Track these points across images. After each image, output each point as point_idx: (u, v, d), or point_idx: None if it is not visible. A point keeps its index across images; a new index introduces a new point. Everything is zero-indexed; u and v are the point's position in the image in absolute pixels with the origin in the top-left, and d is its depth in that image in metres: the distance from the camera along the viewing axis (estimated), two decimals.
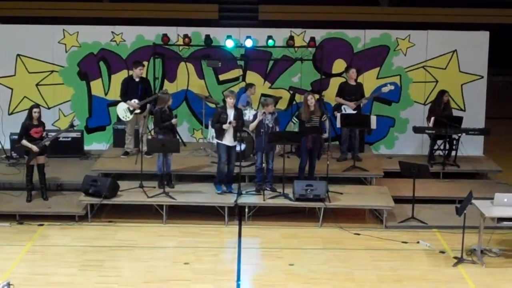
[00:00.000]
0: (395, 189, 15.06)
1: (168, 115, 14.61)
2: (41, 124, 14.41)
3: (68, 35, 17.23)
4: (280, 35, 16.88)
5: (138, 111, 16.07)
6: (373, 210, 14.67)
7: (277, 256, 12.98)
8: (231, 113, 14.34)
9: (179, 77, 17.51)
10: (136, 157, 15.60)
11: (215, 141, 14.70)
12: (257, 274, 12.14)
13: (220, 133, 14.35)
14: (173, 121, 14.60)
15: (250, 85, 16.86)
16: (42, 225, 13.94)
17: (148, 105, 16.11)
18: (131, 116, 16.14)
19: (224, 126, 14.26)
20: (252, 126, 14.50)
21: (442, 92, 16.55)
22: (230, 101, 14.36)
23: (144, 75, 16.48)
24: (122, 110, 16.17)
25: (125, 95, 16.11)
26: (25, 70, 17.26)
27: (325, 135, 14.88)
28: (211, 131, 15.62)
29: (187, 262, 12.49)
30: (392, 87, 16.42)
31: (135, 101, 16.00)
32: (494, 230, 13.15)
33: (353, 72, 16.36)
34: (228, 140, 14.39)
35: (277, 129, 14.60)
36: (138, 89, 16.06)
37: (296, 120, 14.70)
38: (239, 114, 14.42)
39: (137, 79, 16.11)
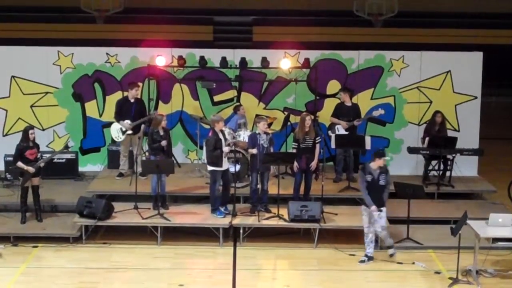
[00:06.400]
0: (390, 210, 14.95)
1: (161, 136, 14.60)
2: (36, 145, 14.39)
3: (62, 57, 17.25)
4: (274, 56, 16.92)
5: (130, 132, 16.08)
6: None
7: (272, 278, 12.96)
8: (223, 136, 14.35)
9: (173, 98, 17.53)
10: (130, 179, 15.58)
11: (210, 167, 14.48)
12: None
13: (218, 160, 14.19)
14: (162, 143, 14.57)
15: (237, 107, 16.91)
16: (36, 247, 13.89)
17: (142, 126, 16.13)
18: (123, 137, 16.16)
19: (225, 149, 14.20)
20: (251, 151, 14.45)
21: (435, 113, 16.63)
22: (221, 125, 14.36)
23: (139, 96, 16.52)
24: (115, 131, 16.20)
25: (119, 116, 16.14)
26: (20, 91, 17.26)
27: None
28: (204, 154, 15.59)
29: (181, 284, 12.44)
30: (383, 112, 16.45)
31: (127, 122, 16.02)
32: (489, 250, 13.13)
33: (343, 95, 16.43)
34: (225, 164, 14.36)
35: (272, 150, 14.61)
36: (132, 110, 16.09)
37: (295, 144, 14.72)
38: (224, 135, 14.44)
39: (132, 100, 16.16)
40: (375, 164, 13.15)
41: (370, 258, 13.37)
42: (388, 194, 13.38)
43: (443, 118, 16.65)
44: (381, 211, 13.24)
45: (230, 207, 14.47)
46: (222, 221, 14.21)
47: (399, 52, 17.58)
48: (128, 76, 17.22)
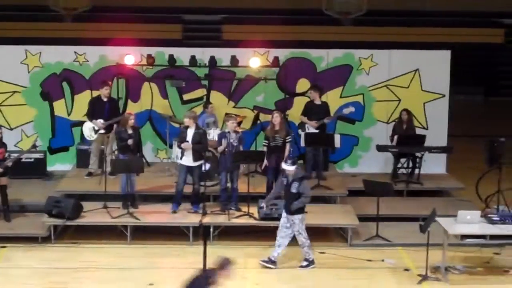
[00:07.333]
0: (359, 208, 15.11)
1: (129, 135, 14.53)
2: (3, 145, 14.26)
3: (30, 56, 17.12)
4: (244, 55, 16.92)
5: (103, 131, 16.00)
6: (337, 228, 14.70)
7: (243, 276, 12.93)
8: (190, 133, 14.33)
9: (142, 97, 17.47)
10: (100, 178, 15.50)
11: (179, 161, 14.70)
12: None
13: (181, 153, 14.43)
14: (129, 141, 14.52)
15: (205, 105, 16.90)
16: (4, 247, 13.76)
17: (115, 126, 16.02)
18: (95, 136, 16.07)
19: (182, 145, 14.29)
20: (220, 149, 14.46)
21: (401, 111, 16.76)
22: (185, 120, 14.46)
23: (109, 95, 16.43)
24: (88, 129, 16.12)
25: (92, 115, 16.05)
26: None
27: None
28: (175, 151, 15.62)
29: (151, 283, 12.40)
30: (353, 109, 16.54)
31: (100, 121, 15.94)
32: (458, 247, 13.25)
33: (313, 94, 16.51)
34: (185, 160, 14.39)
35: (241, 148, 14.62)
36: (105, 109, 16.00)
37: (266, 142, 14.81)
38: (200, 135, 14.40)
39: (105, 99, 16.06)
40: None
41: (311, 262, 13.25)
42: (302, 204, 12.97)
43: (410, 116, 16.76)
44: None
45: (200, 205, 14.47)
46: (192, 220, 14.19)
47: (368, 50, 17.66)
48: (97, 75, 17.12)
